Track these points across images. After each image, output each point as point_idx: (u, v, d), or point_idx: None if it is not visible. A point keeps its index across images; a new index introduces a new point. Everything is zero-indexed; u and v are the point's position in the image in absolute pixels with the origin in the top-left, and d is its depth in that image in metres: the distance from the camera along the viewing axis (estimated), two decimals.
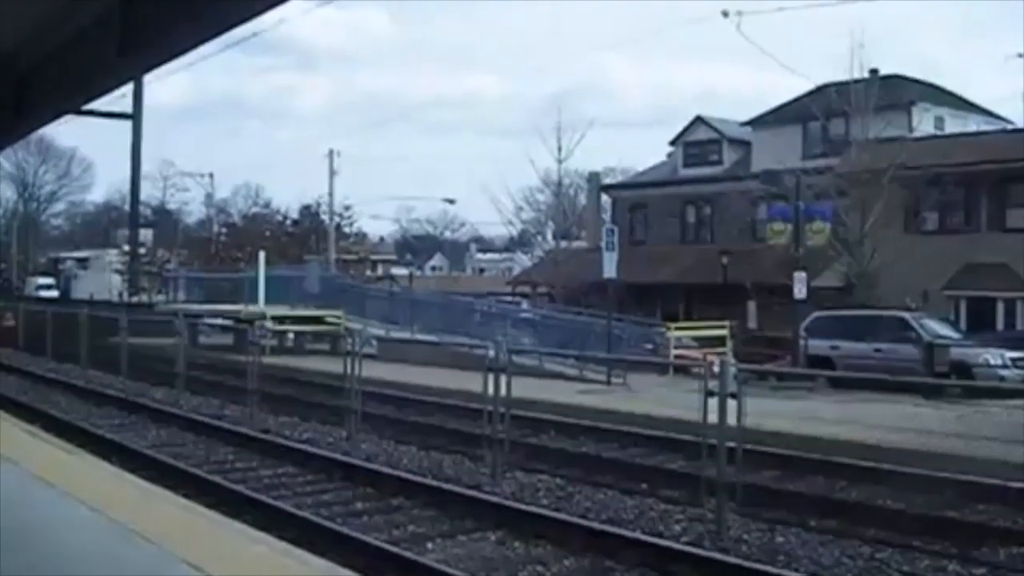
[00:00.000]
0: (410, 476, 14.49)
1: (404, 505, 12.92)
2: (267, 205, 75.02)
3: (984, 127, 41.39)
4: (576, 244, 54.24)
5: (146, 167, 63.54)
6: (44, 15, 4.98)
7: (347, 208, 62.81)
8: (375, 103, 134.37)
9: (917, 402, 21.13)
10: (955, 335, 28.80)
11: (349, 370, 18.59)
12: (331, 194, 56.83)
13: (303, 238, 62.00)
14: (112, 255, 74.43)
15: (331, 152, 55.15)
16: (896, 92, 39.03)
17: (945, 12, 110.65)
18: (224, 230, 69.26)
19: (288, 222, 66.26)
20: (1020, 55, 36.85)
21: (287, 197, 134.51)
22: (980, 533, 11.58)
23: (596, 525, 11.68)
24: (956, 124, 41.72)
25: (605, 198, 54.71)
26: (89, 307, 38.53)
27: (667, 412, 19.22)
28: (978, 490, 13.45)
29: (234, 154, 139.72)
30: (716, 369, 12.55)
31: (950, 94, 45.31)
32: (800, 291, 29.85)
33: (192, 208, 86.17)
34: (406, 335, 33.78)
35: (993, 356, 25.78)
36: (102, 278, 73.05)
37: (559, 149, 49.44)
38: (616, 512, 12.73)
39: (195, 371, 26.33)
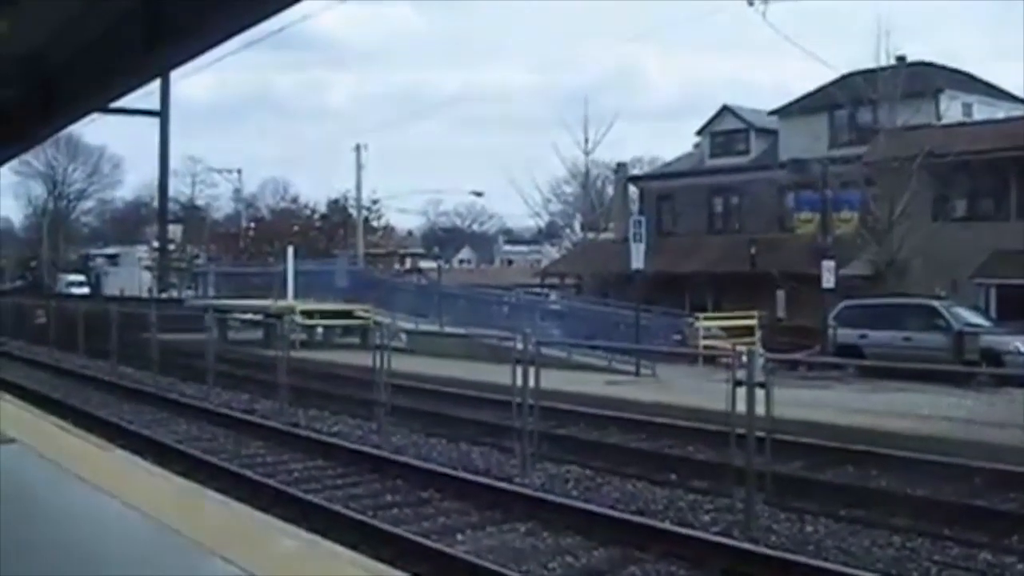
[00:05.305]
0: (440, 468, 14.51)
1: (434, 497, 12.95)
2: (295, 200, 75.37)
3: (1013, 113, 41.02)
4: (604, 235, 54.15)
5: (174, 164, 63.71)
6: (68, 14, 5.02)
7: (375, 202, 63.10)
8: (403, 98, 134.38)
9: (947, 391, 21.01)
10: (985, 323, 28.61)
11: (378, 364, 18.67)
12: (359, 188, 57.17)
13: (331, 232, 62.22)
14: (142, 251, 74.94)
15: (358, 146, 55.44)
16: (923, 79, 38.73)
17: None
18: (252, 225, 69.63)
19: (316, 216, 66.47)
20: None
21: (315, 192, 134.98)
22: (1012, 521, 11.53)
23: (625, 516, 11.70)
24: (984, 111, 41.36)
25: (632, 189, 54.58)
26: (119, 303, 38.79)
27: (695, 402, 19.20)
28: (1009, 478, 13.39)
29: (262, 149, 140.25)
30: (744, 359, 12.52)
31: (978, 80, 44.92)
32: (828, 280, 29.77)
33: (221, 204, 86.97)
34: (435, 328, 33.87)
35: (1023, 344, 25.63)
36: (132, 274, 73.60)
37: (586, 141, 49.48)
38: (645, 503, 12.76)
39: (225, 366, 26.43)
